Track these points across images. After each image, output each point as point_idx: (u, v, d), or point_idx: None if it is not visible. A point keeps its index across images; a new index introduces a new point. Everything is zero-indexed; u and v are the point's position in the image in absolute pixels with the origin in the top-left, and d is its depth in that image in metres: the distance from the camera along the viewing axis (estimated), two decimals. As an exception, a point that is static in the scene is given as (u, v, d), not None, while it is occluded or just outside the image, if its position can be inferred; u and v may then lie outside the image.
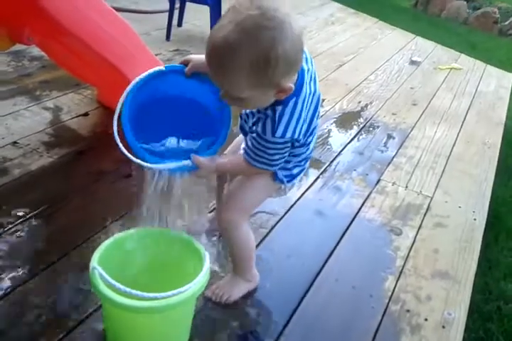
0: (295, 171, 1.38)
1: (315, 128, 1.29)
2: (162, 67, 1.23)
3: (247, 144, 1.26)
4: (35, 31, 1.99)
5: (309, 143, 1.31)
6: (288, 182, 1.38)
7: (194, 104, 1.28)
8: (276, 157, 1.24)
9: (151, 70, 1.22)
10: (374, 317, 1.54)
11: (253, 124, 1.23)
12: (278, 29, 0.97)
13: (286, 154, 1.26)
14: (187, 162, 1.21)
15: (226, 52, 0.99)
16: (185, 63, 1.25)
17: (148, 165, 1.19)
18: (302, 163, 1.38)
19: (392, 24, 5.29)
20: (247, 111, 1.27)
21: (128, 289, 1.08)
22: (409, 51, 4.47)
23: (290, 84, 1.08)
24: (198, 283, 1.13)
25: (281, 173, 1.34)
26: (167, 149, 1.26)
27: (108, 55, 1.94)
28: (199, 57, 1.21)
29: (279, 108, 1.14)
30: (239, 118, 1.34)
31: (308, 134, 1.25)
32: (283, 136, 1.16)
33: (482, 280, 1.92)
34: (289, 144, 1.22)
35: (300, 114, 1.16)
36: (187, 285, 1.11)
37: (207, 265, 1.20)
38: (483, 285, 1.92)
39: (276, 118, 1.14)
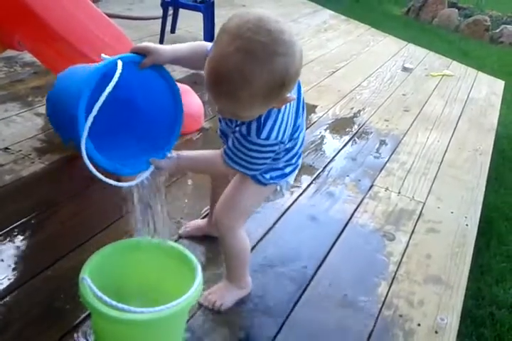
0: (287, 170, 1.36)
1: (300, 124, 1.28)
2: (118, 60, 1.12)
3: (227, 144, 1.24)
4: (26, 35, 1.98)
5: (297, 138, 1.29)
6: (280, 181, 1.37)
7: (145, 102, 1.25)
8: (259, 161, 1.22)
9: (105, 62, 1.13)
10: (367, 322, 1.54)
11: (236, 126, 1.21)
12: (289, 53, 0.97)
13: (269, 160, 1.24)
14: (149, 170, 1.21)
15: (242, 83, 0.96)
16: (142, 52, 1.16)
17: (120, 184, 1.18)
18: (293, 161, 1.36)
19: (384, 31, 5.32)
20: None
21: (114, 302, 1.07)
22: (401, 58, 4.50)
23: (292, 95, 1.08)
24: (188, 298, 1.12)
25: (268, 175, 1.33)
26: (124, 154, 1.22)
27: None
28: (160, 49, 1.17)
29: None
30: (218, 123, 1.33)
31: (293, 132, 1.24)
32: (267, 137, 1.15)
33: (474, 286, 1.93)
34: (275, 148, 1.20)
35: (283, 116, 1.16)
36: (176, 301, 1.10)
37: (199, 278, 1.18)
38: (476, 291, 1.93)
39: (262, 121, 1.14)
